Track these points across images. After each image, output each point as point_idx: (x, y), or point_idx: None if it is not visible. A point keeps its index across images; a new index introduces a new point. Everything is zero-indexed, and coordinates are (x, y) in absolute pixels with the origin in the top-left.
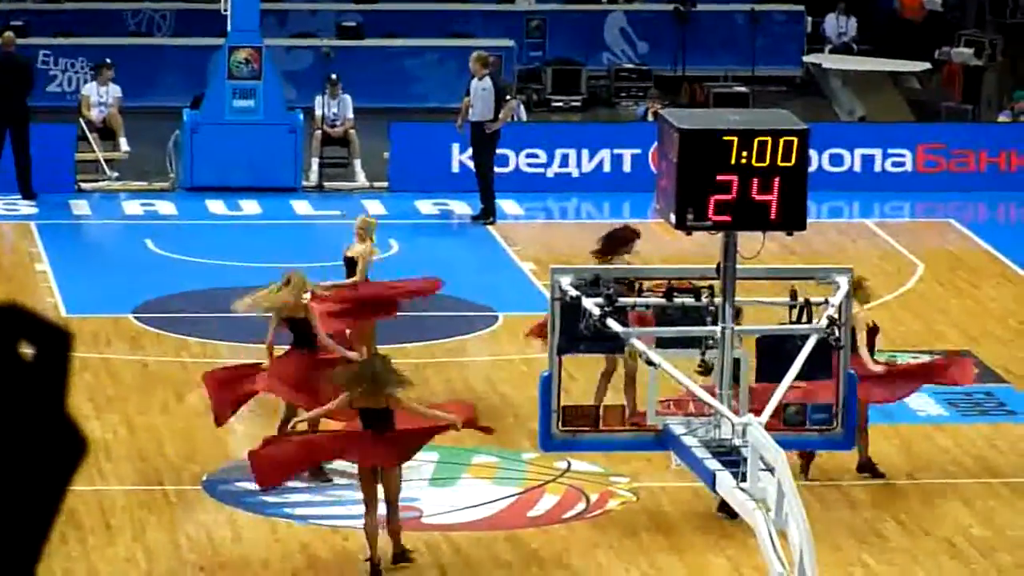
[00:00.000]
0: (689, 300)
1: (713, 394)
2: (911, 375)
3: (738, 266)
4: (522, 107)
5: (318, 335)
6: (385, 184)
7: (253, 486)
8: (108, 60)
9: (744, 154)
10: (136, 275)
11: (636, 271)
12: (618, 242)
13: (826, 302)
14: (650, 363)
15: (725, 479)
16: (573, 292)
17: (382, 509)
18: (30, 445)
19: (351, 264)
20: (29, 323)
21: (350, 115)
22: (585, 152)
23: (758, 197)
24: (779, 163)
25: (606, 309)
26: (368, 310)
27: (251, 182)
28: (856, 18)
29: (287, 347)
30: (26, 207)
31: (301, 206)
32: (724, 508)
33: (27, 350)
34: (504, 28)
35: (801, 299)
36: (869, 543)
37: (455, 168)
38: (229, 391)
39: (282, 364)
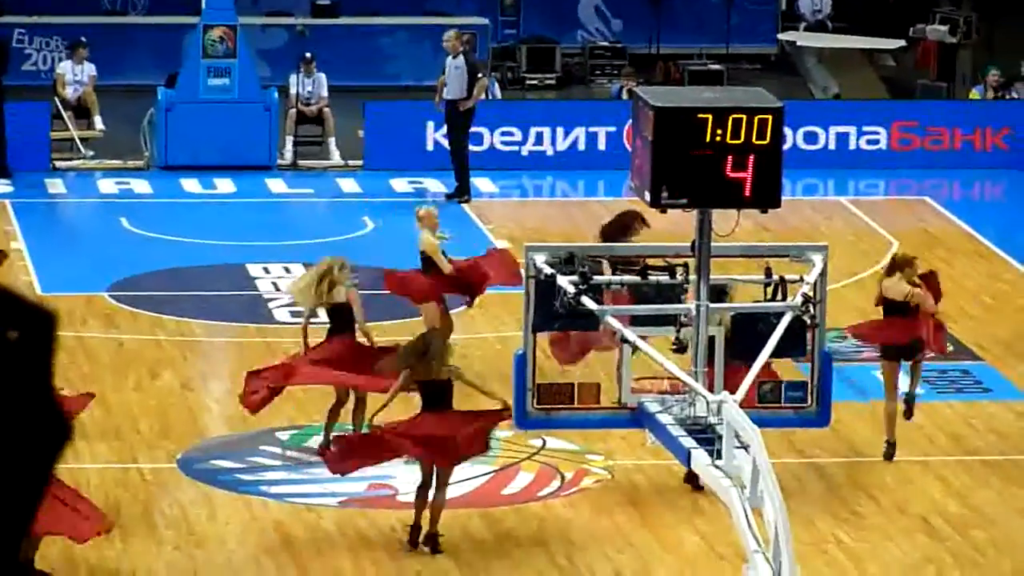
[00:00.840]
0: (664, 278)
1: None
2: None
3: (713, 244)
4: (496, 85)
5: (359, 323)
6: (360, 162)
7: (228, 463)
8: (83, 39)
9: (719, 131)
10: (111, 253)
11: (611, 249)
12: (617, 229)
13: (801, 279)
14: (624, 341)
15: (700, 457)
16: (548, 270)
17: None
18: (15, 428)
19: (427, 258)
20: (13, 306)
21: (324, 93)
22: (560, 130)
23: (732, 175)
24: (754, 141)
25: (581, 287)
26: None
27: (225, 160)
28: None
29: (326, 334)
30: (1, 185)
31: (276, 184)
32: (691, 479)
33: (12, 333)
34: (478, 6)
35: (776, 277)
36: (844, 520)
37: (430, 146)
38: (264, 380)
39: (324, 351)
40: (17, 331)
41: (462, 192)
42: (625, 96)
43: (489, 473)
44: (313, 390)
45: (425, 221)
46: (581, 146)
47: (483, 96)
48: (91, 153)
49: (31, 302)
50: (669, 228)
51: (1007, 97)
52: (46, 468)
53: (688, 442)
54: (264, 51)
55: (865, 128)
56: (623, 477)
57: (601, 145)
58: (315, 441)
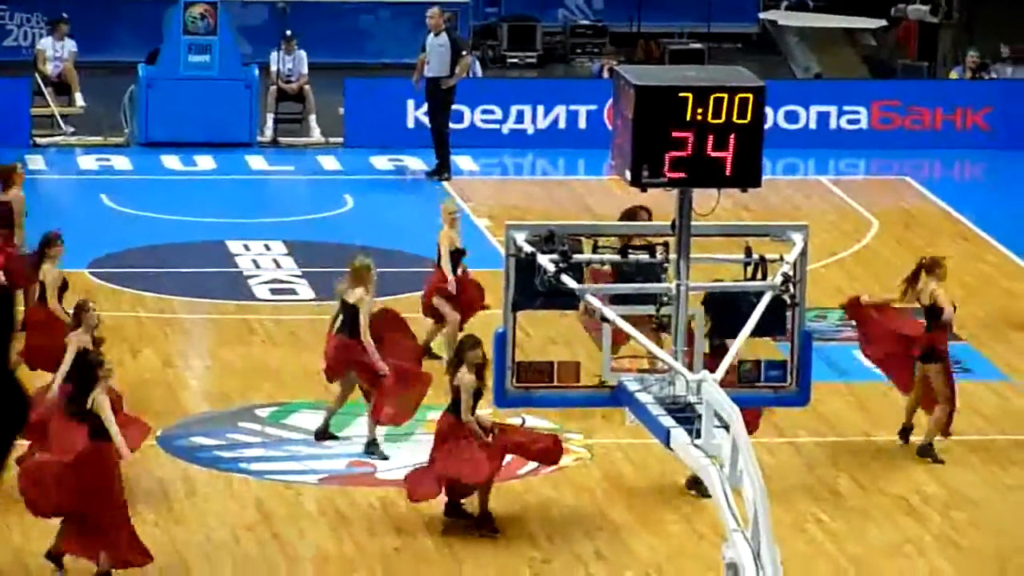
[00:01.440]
0: (644, 256)
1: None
2: None
3: (693, 223)
4: (478, 63)
5: (362, 332)
6: (340, 140)
7: (208, 441)
8: (64, 15)
9: (700, 111)
10: (91, 230)
11: (592, 227)
12: (624, 218)
13: (781, 259)
14: (604, 319)
15: (679, 436)
16: (528, 248)
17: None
18: None
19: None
20: None
21: (305, 71)
22: (540, 108)
23: (713, 154)
24: (735, 120)
25: (561, 265)
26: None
27: (206, 137)
28: None
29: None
30: None
31: (256, 161)
32: (695, 485)
33: None
34: None
35: (756, 256)
36: (823, 500)
37: (410, 124)
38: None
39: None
40: None
41: (442, 170)
42: (606, 75)
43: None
44: (293, 367)
45: (443, 216)
46: (562, 124)
47: (466, 74)
48: (71, 129)
49: None
50: (650, 207)
51: (987, 77)
52: (5, 443)
53: (668, 421)
54: (245, 28)
55: (846, 107)
56: (603, 456)
57: (582, 123)
58: (295, 419)
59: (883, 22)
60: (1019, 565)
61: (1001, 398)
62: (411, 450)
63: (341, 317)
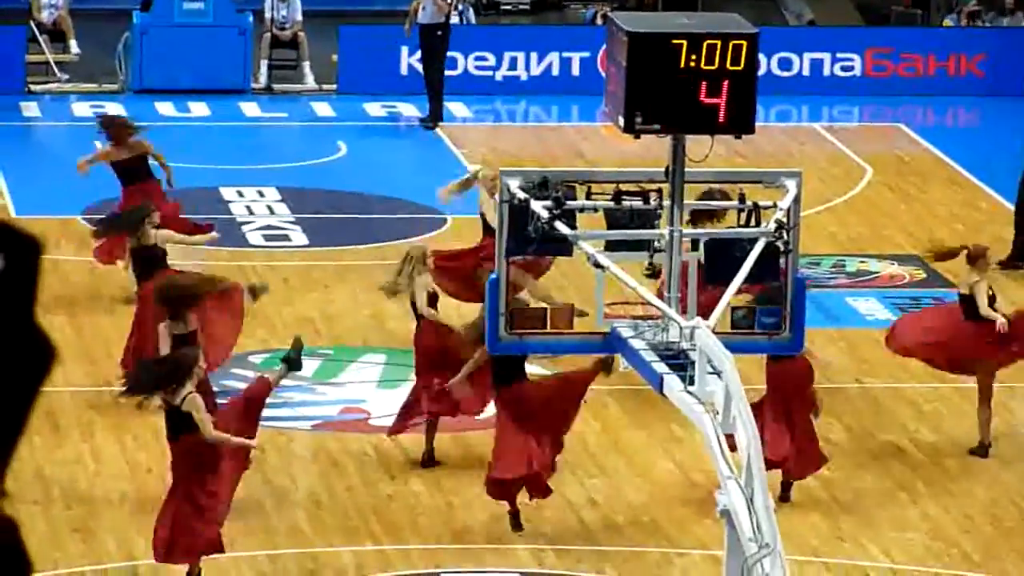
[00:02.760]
0: (637, 203)
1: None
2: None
3: (686, 169)
4: (471, 10)
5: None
6: (334, 86)
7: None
8: None
9: (693, 57)
10: (85, 177)
11: (585, 174)
12: None
13: (774, 206)
14: (597, 266)
15: (673, 382)
16: (521, 195)
17: None
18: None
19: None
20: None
21: (299, 17)
22: (534, 55)
23: (707, 100)
24: (728, 67)
25: (554, 212)
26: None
27: (200, 84)
28: None
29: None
30: None
31: (250, 108)
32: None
33: None
34: None
35: (749, 202)
36: None
37: (404, 71)
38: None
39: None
40: (2, 257)
41: (435, 117)
42: (599, 21)
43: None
44: (286, 314)
45: (484, 184)
46: (555, 71)
47: (452, 13)
48: (66, 76)
49: (17, 229)
50: (643, 153)
51: (980, 24)
52: (31, 391)
53: (661, 367)
54: None
55: (839, 54)
56: (596, 402)
57: (575, 70)
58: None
59: None
60: (1011, 513)
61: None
62: (402, 395)
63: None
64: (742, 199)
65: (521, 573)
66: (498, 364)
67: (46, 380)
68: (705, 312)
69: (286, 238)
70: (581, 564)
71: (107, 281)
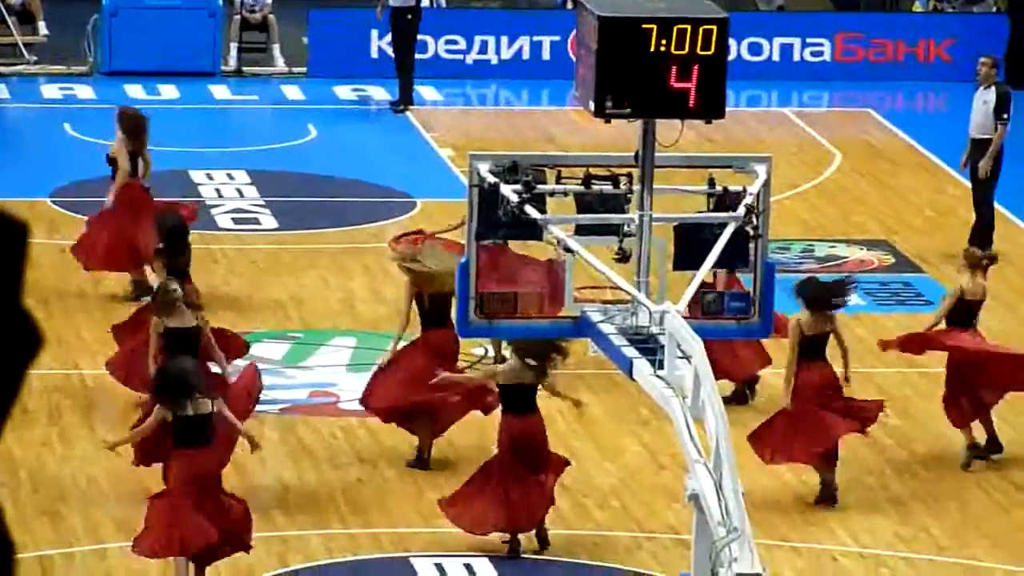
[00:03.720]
0: (607, 187)
1: None
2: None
3: (656, 154)
4: None
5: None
6: (304, 69)
7: None
8: None
9: (663, 42)
10: (54, 159)
11: (555, 158)
12: None
13: (744, 191)
14: (567, 250)
15: (642, 366)
16: (491, 179)
17: None
18: None
19: None
20: None
21: (269, 0)
22: (504, 39)
23: (677, 85)
24: (698, 51)
25: (524, 196)
26: None
27: (169, 66)
28: None
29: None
30: None
31: (220, 91)
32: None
33: None
34: None
35: (719, 187)
36: None
37: (374, 54)
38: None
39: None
40: None
41: (405, 101)
42: (570, 5)
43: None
44: (256, 297)
45: None
46: (526, 55)
47: None
48: (35, 58)
49: (3, 213)
50: (613, 138)
51: (949, 10)
52: (18, 376)
53: (631, 352)
54: None
55: (809, 40)
56: (565, 386)
57: (546, 54)
58: (257, 348)
59: None
60: (980, 498)
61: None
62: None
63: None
64: (712, 184)
65: (490, 557)
66: (510, 392)
67: (32, 366)
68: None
69: (256, 221)
70: (551, 548)
71: (76, 264)
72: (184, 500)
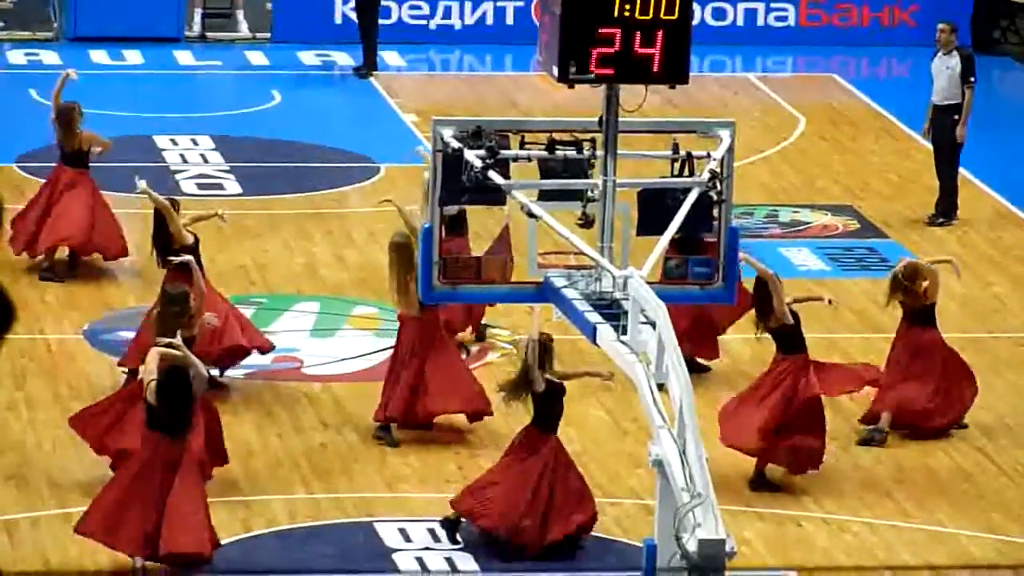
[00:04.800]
0: (571, 152)
1: None
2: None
3: (620, 119)
4: None
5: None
6: (268, 35)
7: (133, 335)
8: None
9: (627, 7)
10: (19, 124)
11: (519, 123)
12: None
13: (708, 155)
14: (531, 215)
15: (606, 332)
16: (455, 144)
17: None
18: None
19: None
20: None
21: None
22: (468, 4)
23: (640, 50)
24: (662, 16)
25: (488, 161)
26: None
27: (134, 32)
28: None
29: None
30: None
31: (184, 56)
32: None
33: None
34: None
35: (683, 152)
36: None
37: (338, 19)
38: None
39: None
40: None
41: (369, 66)
42: None
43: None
44: (219, 262)
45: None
46: (489, 20)
47: None
48: (0, 24)
49: None
50: (576, 103)
51: None
52: None
53: (594, 317)
54: None
55: (773, 4)
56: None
57: (509, 19)
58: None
59: None
60: (945, 464)
61: None
62: (335, 344)
63: None
64: (675, 149)
65: None
66: (544, 407)
67: (5, 337)
68: None
69: (220, 187)
70: None
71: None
72: (135, 492)
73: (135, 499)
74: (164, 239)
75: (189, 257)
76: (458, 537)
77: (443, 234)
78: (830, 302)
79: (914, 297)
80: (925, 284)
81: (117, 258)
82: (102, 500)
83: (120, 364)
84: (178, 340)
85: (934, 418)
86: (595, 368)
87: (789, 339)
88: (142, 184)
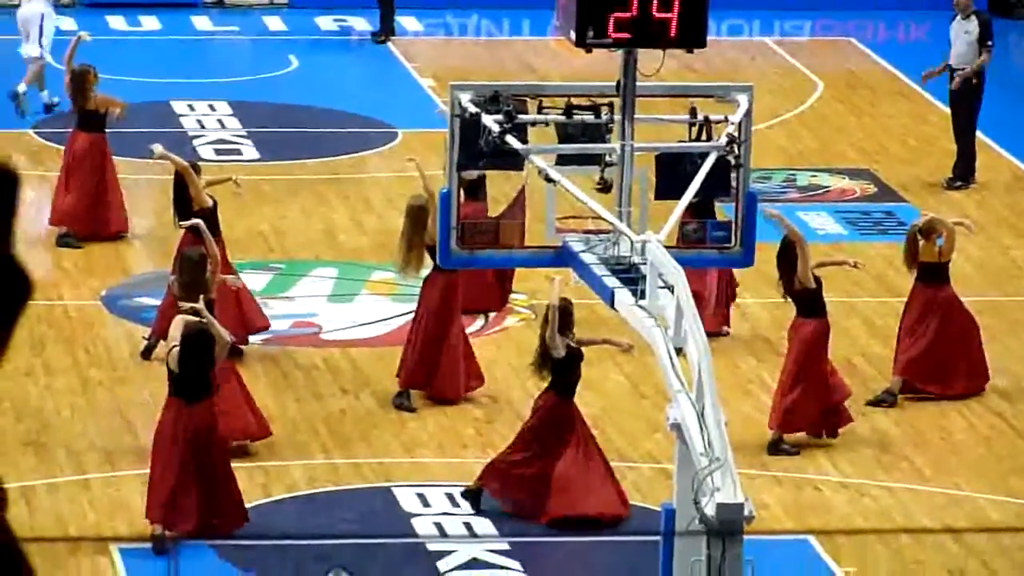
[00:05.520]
0: (589, 117)
1: None
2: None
3: (637, 83)
4: None
5: None
6: (285, 0)
7: (152, 301)
8: None
9: None
10: (37, 91)
11: (536, 88)
12: None
13: (725, 120)
14: (548, 180)
15: (624, 296)
16: (472, 108)
17: None
18: None
19: None
20: None
21: None
22: None
23: (658, 15)
24: None
25: (505, 125)
26: None
27: None
28: None
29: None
30: None
31: (201, 21)
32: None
33: None
34: None
35: (701, 116)
36: (767, 362)
37: None
38: None
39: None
40: None
41: (386, 32)
42: None
43: (413, 311)
44: (236, 228)
45: None
46: None
47: None
48: None
49: None
50: (594, 68)
51: None
52: (9, 323)
53: (612, 281)
54: None
55: None
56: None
57: None
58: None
59: None
60: (961, 426)
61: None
62: (353, 309)
63: None
64: (693, 113)
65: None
66: (564, 374)
67: (24, 309)
68: None
69: (237, 152)
70: None
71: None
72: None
73: (168, 476)
74: (183, 201)
75: (198, 221)
76: (482, 506)
77: (462, 199)
78: (855, 265)
79: (930, 254)
80: (942, 241)
81: (116, 236)
82: (152, 485)
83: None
84: (200, 304)
85: (950, 382)
86: (615, 338)
87: (810, 303)
88: (159, 149)
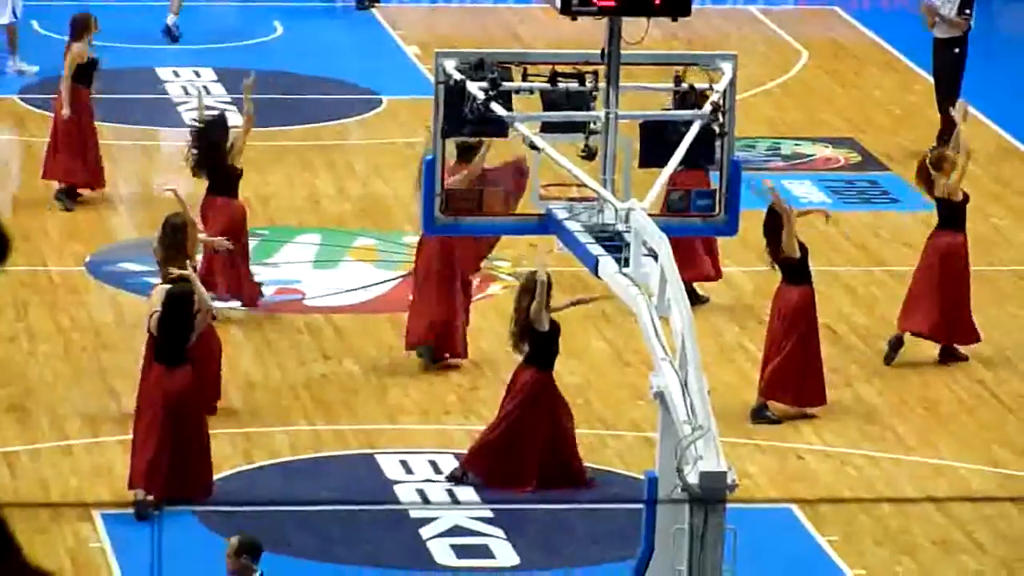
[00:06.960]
0: (573, 85)
1: None
2: None
3: (622, 52)
4: None
5: None
6: None
7: (136, 267)
8: None
9: None
10: (22, 56)
11: (522, 55)
12: None
13: (710, 88)
14: (533, 147)
15: (608, 264)
16: (457, 76)
17: None
18: None
19: None
20: None
21: None
22: None
23: None
24: None
25: (490, 93)
26: None
27: None
28: None
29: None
30: None
31: None
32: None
33: None
34: None
35: (685, 85)
36: (750, 329)
37: None
38: None
39: None
40: None
41: None
42: None
43: (398, 279)
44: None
45: None
46: None
47: None
48: None
49: None
50: (579, 36)
51: None
52: None
53: (596, 249)
54: None
55: None
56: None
57: None
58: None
59: None
60: (945, 396)
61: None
62: (336, 275)
63: None
64: (678, 81)
65: (455, 454)
66: (546, 346)
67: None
68: None
69: None
70: None
71: (43, 160)
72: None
73: (151, 441)
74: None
75: (173, 187)
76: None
77: (452, 162)
78: (827, 217)
79: (938, 189)
80: (951, 175)
81: (93, 190)
82: (135, 451)
83: None
84: (188, 271)
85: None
86: (576, 296)
87: (796, 271)
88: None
